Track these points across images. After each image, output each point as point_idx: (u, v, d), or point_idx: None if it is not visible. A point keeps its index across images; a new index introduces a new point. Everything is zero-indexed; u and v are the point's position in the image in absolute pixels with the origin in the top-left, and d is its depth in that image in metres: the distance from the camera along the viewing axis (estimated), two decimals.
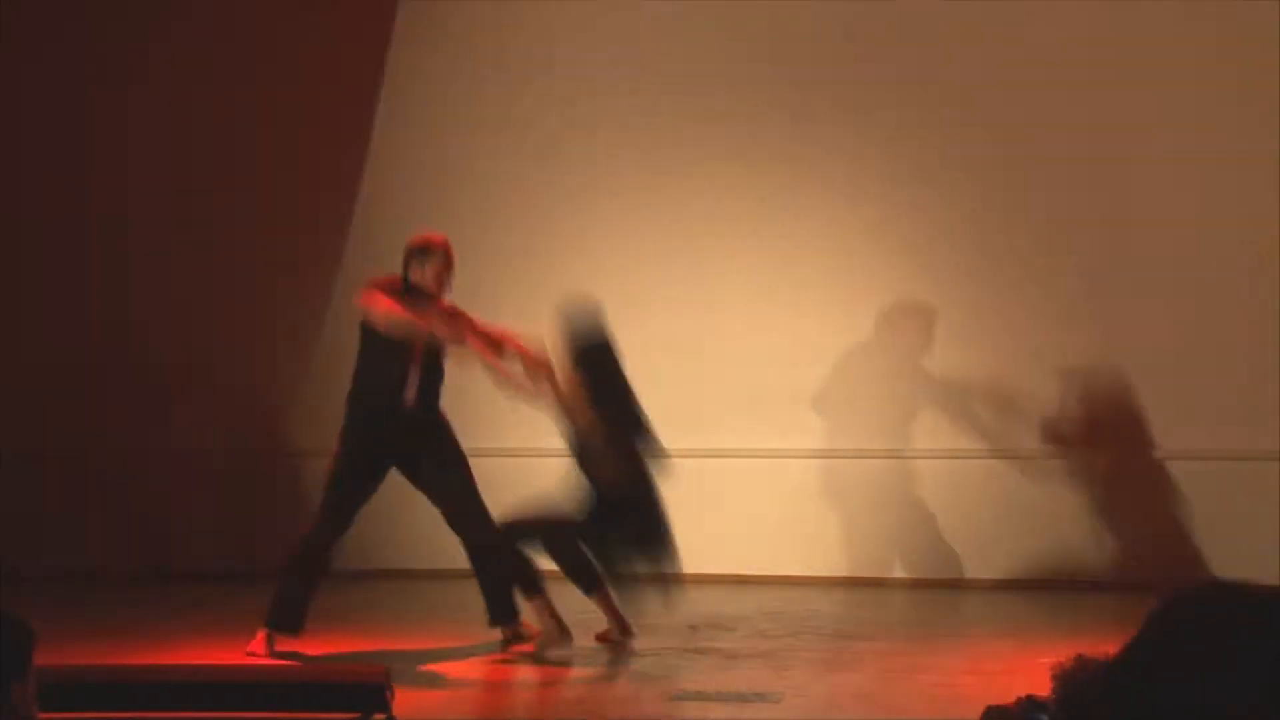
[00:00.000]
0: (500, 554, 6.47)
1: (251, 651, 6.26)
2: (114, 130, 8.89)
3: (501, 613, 6.47)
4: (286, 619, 6.34)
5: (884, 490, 8.36)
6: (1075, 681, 2.18)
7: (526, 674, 6.12)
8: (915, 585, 8.21)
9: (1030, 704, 2.37)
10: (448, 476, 6.54)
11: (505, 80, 8.74)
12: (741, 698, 5.48)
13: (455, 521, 6.57)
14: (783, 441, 8.39)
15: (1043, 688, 2.70)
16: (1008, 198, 8.32)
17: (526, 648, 6.37)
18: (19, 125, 8.95)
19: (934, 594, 8.06)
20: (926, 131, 8.34)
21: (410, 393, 6.48)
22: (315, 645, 6.38)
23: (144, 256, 8.84)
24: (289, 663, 6.10)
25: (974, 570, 8.23)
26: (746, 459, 8.41)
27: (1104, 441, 8.21)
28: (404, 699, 4.93)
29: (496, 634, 6.58)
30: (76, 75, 8.88)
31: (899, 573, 8.32)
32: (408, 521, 7.49)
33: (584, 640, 6.61)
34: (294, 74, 8.86)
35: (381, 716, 4.81)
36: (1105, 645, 2.83)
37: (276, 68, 8.88)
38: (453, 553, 6.70)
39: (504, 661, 6.27)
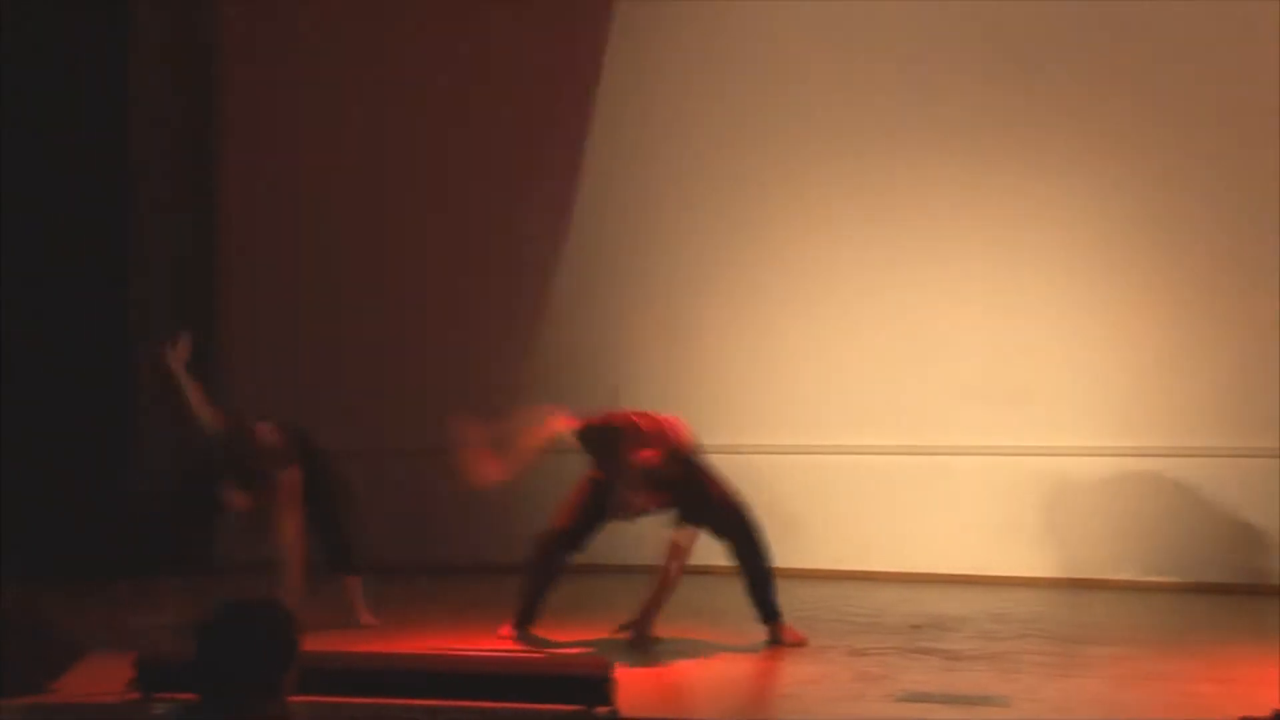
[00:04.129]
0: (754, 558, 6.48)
1: (503, 634, 6.50)
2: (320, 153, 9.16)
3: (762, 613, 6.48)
4: (517, 611, 6.57)
5: (1111, 489, 8.15)
6: None
7: (747, 670, 6.09)
8: (1143, 588, 7.96)
9: None
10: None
11: (717, 76, 8.75)
12: (967, 700, 5.35)
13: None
14: (1011, 439, 8.24)
15: None
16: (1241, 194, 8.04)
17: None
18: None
19: (1163, 597, 7.81)
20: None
21: None
22: (544, 635, 6.51)
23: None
24: (513, 654, 6.17)
25: (1204, 574, 7.95)
26: (972, 457, 8.28)
27: None
28: (626, 692, 4.94)
29: (716, 630, 6.57)
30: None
31: (1126, 574, 8.08)
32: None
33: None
34: (513, 76, 9.00)
35: (605, 709, 4.84)
36: None
37: (496, 71, 9.03)
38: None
39: (724, 658, 6.25)
